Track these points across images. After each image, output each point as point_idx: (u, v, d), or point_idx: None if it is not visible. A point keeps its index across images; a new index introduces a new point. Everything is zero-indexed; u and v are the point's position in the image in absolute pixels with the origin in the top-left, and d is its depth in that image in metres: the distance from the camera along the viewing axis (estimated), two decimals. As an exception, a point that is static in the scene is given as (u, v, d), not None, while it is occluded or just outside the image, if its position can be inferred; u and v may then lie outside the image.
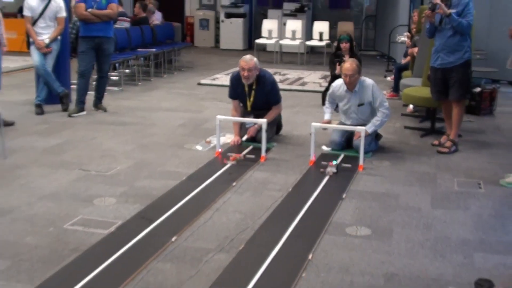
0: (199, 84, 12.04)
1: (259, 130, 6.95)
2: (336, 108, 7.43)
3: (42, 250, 4.37)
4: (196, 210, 5.13)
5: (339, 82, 7.20)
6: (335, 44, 10.01)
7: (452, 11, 6.76)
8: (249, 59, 7.17)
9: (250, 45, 18.21)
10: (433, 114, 8.12)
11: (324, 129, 7.20)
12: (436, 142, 7.37)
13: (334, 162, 6.20)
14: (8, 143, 6.96)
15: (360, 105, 7.01)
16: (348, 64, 6.97)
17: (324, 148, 7.05)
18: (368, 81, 7.03)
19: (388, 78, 12.29)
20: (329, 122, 7.19)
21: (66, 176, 6.07)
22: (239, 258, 4.28)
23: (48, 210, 5.15)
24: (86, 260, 4.19)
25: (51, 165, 6.42)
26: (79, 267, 4.08)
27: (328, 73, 10.79)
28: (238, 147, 7.09)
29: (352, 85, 6.97)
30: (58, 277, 3.95)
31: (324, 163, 6.37)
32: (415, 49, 9.70)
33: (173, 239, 4.54)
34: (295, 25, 16.04)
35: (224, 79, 12.09)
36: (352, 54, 9.30)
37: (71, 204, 5.30)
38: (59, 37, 9.09)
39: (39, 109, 8.93)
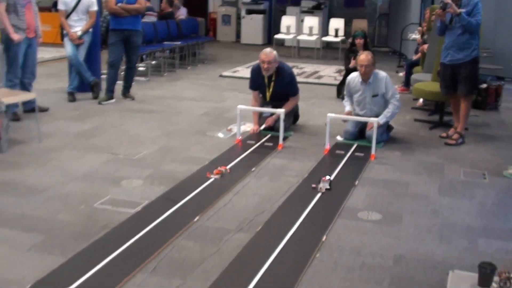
0: (221, 76, 12.05)
1: (277, 119, 6.96)
2: None
3: (73, 227, 4.42)
4: (218, 193, 5.16)
5: (354, 74, 7.19)
6: (350, 40, 9.96)
7: (462, 10, 6.72)
8: (269, 52, 7.18)
9: (269, 40, 18.15)
10: (441, 108, 8.09)
11: (345, 121, 7.17)
12: (444, 135, 7.35)
13: (328, 177, 5.51)
14: (43, 128, 7.03)
15: (374, 96, 6.99)
16: (364, 55, 6.97)
17: (339, 138, 7.05)
18: (382, 73, 7.02)
19: (400, 74, 12.23)
20: (350, 113, 7.17)
21: (96, 159, 6.12)
22: (257, 238, 4.30)
23: (80, 190, 5.21)
24: (115, 236, 4.24)
25: (82, 149, 6.47)
26: (108, 242, 4.13)
27: (343, 67, 10.75)
28: (256, 135, 7.11)
29: (367, 76, 6.96)
30: (89, 251, 4.00)
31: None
32: (426, 46, 9.66)
33: (196, 219, 4.57)
34: (312, 21, 15.98)
35: (244, 72, 12.10)
36: (366, 50, 9.25)
37: (100, 184, 5.35)
38: (90, 30, 9.13)
39: (71, 97, 9.00)
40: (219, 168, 5.70)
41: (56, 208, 4.78)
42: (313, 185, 5.38)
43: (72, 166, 5.86)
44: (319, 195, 5.16)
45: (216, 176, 5.56)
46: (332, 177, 5.53)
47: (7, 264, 3.82)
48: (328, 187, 5.34)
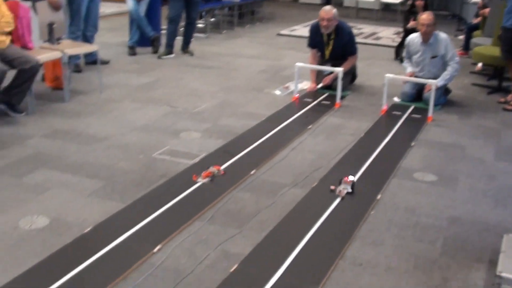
0: (279, 34, 11.96)
1: (335, 78, 6.88)
2: None
3: (133, 174, 4.50)
4: (274, 148, 5.17)
5: (414, 35, 7.03)
6: (410, 2, 9.76)
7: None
8: (328, 10, 7.09)
9: (327, 0, 17.89)
10: (500, 73, 7.89)
11: (405, 82, 7.04)
12: (502, 100, 7.17)
13: (351, 178, 4.38)
14: (104, 79, 7.12)
15: (433, 57, 6.84)
16: (426, 15, 6.80)
17: (396, 99, 6.95)
18: (443, 35, 6.85)
19: (459, 37, 11.95)
20: (412, 74, 7.02)
21: (155, 111, 6.19)
22: (312, 193, 4.30)
23: (139, 140, 5.28)
24: (173, 185, 4.29)
25: (142, 101, 6.54)
26: (166, 191, 4.19)
27: (401, 29, 10.55)
28: (314, 93, 7.06)
29: (427, 36, 6.80)
30: (147, 198, 4.07)
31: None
32: (487, 10, 9.41)
33: (252, 172, 4.60)
34: (372, -18, 15.70)
35: (302, 31, 11.99)
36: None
37: (159, 136, 5.41)
38: (152, -15, 9.18)
39: (132, 51, 9.09)
40: (210, 169, 4.51)
41: (116, 156, 4.86)
42: (332, 187, 4.36)
43: (132, 117, 5.94)
44: (375, 154, 5.12)
45: (205, 180, 4.40)
46: (349, 187, 4.33)
47: (69, 208, 3.91)
48: (349, 190, 4.31)
